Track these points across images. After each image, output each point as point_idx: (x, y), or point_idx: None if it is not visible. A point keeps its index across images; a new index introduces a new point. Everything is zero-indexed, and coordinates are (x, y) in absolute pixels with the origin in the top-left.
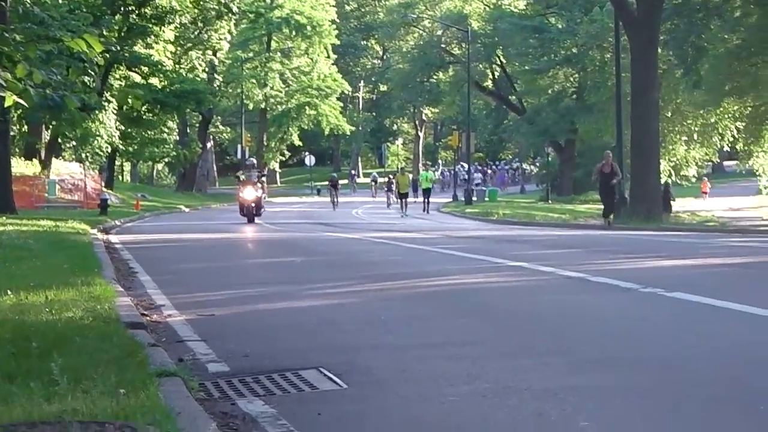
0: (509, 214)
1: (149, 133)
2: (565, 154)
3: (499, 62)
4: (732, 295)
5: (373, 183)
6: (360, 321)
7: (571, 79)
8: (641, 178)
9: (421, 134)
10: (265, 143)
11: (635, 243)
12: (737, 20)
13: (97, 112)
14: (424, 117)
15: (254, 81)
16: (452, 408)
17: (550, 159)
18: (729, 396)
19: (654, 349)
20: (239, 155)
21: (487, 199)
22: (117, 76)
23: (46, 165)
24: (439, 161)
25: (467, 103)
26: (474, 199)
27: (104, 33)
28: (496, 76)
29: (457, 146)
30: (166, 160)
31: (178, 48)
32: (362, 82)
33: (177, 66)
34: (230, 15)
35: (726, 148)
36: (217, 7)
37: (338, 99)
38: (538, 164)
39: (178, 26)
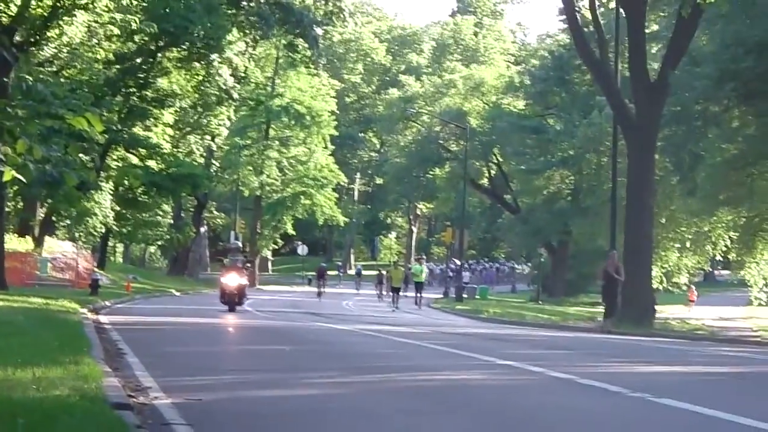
0: (499, 312)
1: (144, 215)
2: (557, 255)
3: (495, 160)
4: (721, 404)
5: (357, 276)
6: (348, 413)
7: (567, 181)
8: (633, 283)
9: (414, 228)
10: (259, 231)
11: (625, 347)
12: (735, 130)
13: (93, 191)
14: (418, 212)
15: (251, 168)
16: None
17: (542, 260)
18: None
19: None
20: (231, 240)
21: (477, 296)
22: (114, 157)
23: (39, 242)
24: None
25: (462, 200)
26: (465, 296)
27: (104, 113)
28: (492, 174)
29: (451, 242)
30: (159, 243)
31: (177, 131)
32: (358, 173)
33: (175, 149)
34: (230, 101)
35: (718, 257)
36: (217, 93)
37: (334, 190)
38: (530, 264)
39: (178, 110)
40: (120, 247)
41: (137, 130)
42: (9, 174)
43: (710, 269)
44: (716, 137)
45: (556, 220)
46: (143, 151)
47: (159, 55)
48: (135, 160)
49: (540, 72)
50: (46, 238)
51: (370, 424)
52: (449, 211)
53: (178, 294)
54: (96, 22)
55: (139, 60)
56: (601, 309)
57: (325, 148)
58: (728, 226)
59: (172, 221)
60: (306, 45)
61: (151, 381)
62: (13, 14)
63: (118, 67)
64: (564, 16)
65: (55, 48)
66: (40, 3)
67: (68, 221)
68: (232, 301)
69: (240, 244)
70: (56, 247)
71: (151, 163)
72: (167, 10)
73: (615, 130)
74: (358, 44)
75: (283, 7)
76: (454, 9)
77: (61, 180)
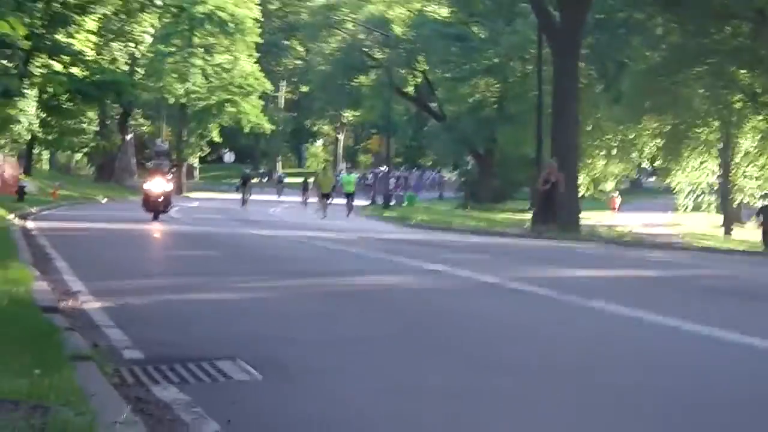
0: (427, 219)
1: (69, 122)
2: (484, 162)
3: (420, 68)
4: (648, 306)
5: (278, 183)
6: (276, 315)
7: (492, 89)
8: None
9: (341, 136)
10: (185, 138)
11: (554, 252)
12: (659, 38)
13: (17, 98)
14: (344, 119)
15: (175, 75)
16: (361, 403)
17: (469, 167)
18: (633, 402)
19: (564, 355)
20: (157, 144)
21: (405, 203)
22: (38, 65)
23: None
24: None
25: (388, 108)
26: (392, 203)
27: (27, 19)
28: (417, 82)
29: (377, 150)
30: (85, 150)
31: (101, 39)
32: (284, 81)
33: (98, 57)
34: (153, 8)
35: (645, 165)
36: (140, 0)
37: (259, 98)
38: (457, 171)
39: (101, 17)
40: (46, 155)
41: (60, 37)
42: None
43: (637, 176)
44: (640, 45)
45: (482, 128)
46: (66, 59)
47: None
48: (59, 67)
49: None
50: None
51: (298, 326)
52: (376, 118)
53: (104, 201)
54: None
55: None
56: (528, 215)
57: (250, 56)
58: (654, 133)
59: (98, 129)
60: None
61: (80, 285)
62: None
63: None
64: None
65: None
66: None
67: None
68: (157, 209)
69: (166, 147)
70: None
71: (75, 71)
72: None
73: (540, 37)
74: None
75: None
76: None
77: None
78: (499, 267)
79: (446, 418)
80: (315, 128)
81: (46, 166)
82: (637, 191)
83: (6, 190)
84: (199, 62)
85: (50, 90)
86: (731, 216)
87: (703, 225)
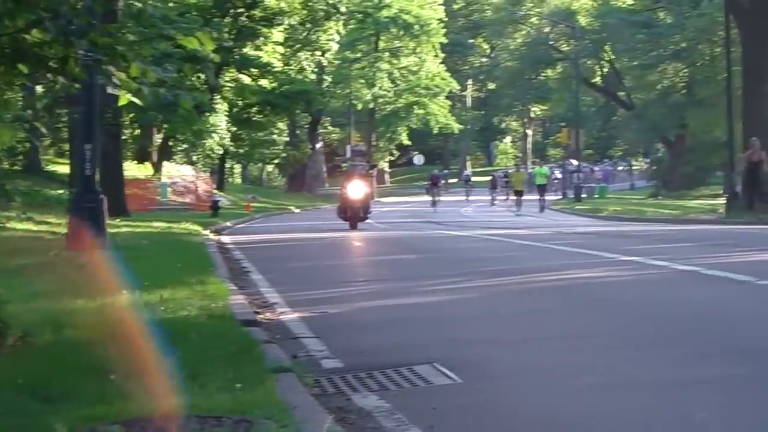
0: (619, 210)
1: (259, 134)
2: (675, 149)
3: (607, 58)
4: None
5: (465, 183)
6: (474, 316)
7: (681, 74)
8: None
9: (529, 132)
10: (374, 143)
11: (749, 237)
12: None
13: (208, 113)
14: (532, 114)
15: (363, 81)
16: (571, 401)
17: (660, 155)
18: None
19: None
20: (348, 152)
21: (596, 196)
22: (227, 79)
23: (157, 168)
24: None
25: (576, 100)
26: (583, 196)
27: (214, 35)
28: (604, 72)
29: (567, 143)
30: (276, 161)
31: (287, 49)
32: (470, 80)
33: (286, 67)
34: (338, 15)
35: None
36: (325, 8)
37: (446, 98)
38: (648, 160)
39: (287, 27)
40: (238, 168)
41: (248, 50)
42: (125, 98)
43: None
44: None
45: (672, 114)
46: (255, 71)
47: None
48: (247, 80)
49: None
50: (165, 163)
51: (497, 326)
52: (563, 112)
53: (297, 211)
54: None
55: None
56: (722, 200)
57: (436, 56)
58: None
59: (287, 139)
60: None
61: (277, 297)
62: None
63: None
64: None
65: None
66: None
67: (185, 145)
68: (356, 216)
69: (363, 148)
70: (175, 171)
71: (264, 83)
72: None
73: (727, 18)
74: None
75: None
76: None
77: (176, 103)
78: (694, 255)
79: (676, 411)
80: (503, 125)
81: (238, 180)
82: None
83: (200, 206)
84: (385, 66)
85: (240, 103)
86: None
87: None
